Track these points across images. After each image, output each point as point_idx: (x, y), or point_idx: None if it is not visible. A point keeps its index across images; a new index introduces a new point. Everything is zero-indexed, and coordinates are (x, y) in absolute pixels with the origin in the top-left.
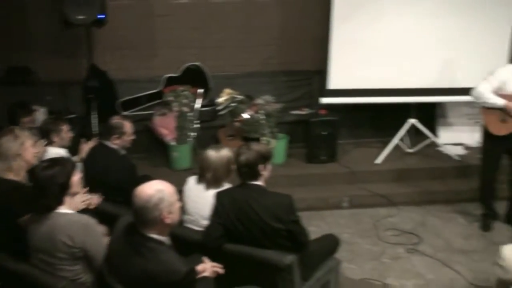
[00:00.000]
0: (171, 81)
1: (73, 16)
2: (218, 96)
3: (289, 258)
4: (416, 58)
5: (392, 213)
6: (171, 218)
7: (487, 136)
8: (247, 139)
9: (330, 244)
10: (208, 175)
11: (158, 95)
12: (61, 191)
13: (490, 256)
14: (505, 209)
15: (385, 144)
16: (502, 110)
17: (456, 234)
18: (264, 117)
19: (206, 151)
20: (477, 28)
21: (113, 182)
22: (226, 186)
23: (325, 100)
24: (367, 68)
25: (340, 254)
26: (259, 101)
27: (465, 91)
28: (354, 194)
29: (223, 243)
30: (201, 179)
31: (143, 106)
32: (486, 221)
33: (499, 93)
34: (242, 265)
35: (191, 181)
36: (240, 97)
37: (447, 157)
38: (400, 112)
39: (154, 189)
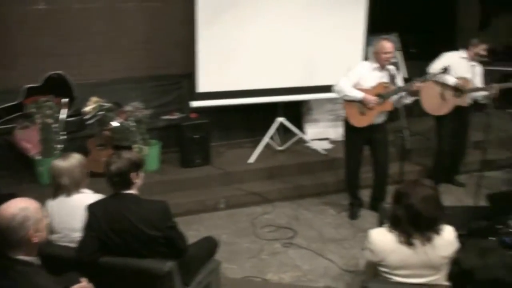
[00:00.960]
0: (32, 92)
1: None
2: (85, 105)
3: (168, 265)
4: (281, 59)
5: (268, 210)
6: (39, 236)
7: (349, 128)
8: (118, 148)
9: (209, 246)
10: (65, 181)
11: (19, 107)
12: None
13: (359, 242)
14: (369, 196)
15: (256, 143)
16: (361, 102)
17: (327, 225)
18: (134, 124)
19: (53, 162)
20: (335, 29)
21: None
22: (87, 192)
23: (195, 104)
24: (235, 70)
25: (220, 255)
26: (128, 108)
27: (327, 88)
28: (230, 195)
29: (99, 257)
30: (58, 192)
31: (2, 119)
32: (353, 210)
33: (357, 87)
34: (122, 277)
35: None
36: (107, 105)
37: (315, 152)
38: (269, 112)
39: (17, 208)
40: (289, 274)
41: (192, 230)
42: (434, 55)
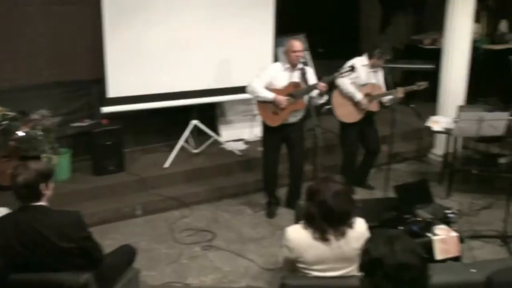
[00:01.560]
0: None
1: None
2: None
3: (84, 277)
4: (193, 61)
5: (186, 214)
6: None
7: (265, 128)
8: (26, 158)
9: (127, 255)
10: None
11: None
12: None
13: (277, 240)
14: (285, 194)
15: (172, 147)
16: (273, 103)
17: (246, 225)
18: (41, 133)
19: None
20: (245, 31)
21: None
22: None
23: (106, 109)
24: (147, 73)
25: (139, 263)
26: (35, 116)
27: (241, 89)
28: (147, 201)
29: (7, 274)
30: None
31: None
32: (270, 209)
33: (270, 88)
34: None
35: None
36: (12, 113)
37: (231, 153)
38: (184, 115)
39: None
40: (210, 277)
41: (109, 240)
42: (340, 54)
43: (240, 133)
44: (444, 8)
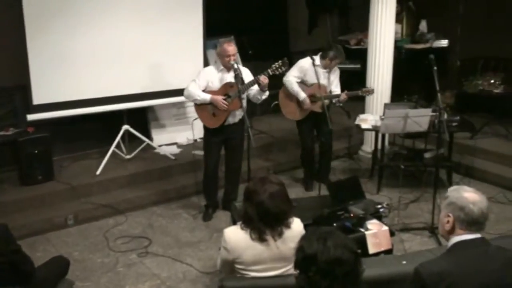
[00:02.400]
0: None
1: None
2: None
3: None
4: (123, 65)
5: (120, 221)
6: None
7: (206, 130)
8: None
9: (59, 266)
10: None
11: None
12: None
13: (215, 243)
14: (222, 196)
15: (103, 154)
16: (211, 104)
17: (183, 229)
18: None
19: None
20: (175, 33)
21: None
22: None
23: (32, 117)
24: (74, 78)
25: (73, 274)
26: None
27: (172, 93)
28: (79, 210)
29: None
30: None
31: None
32: (207, 211)
33: (207, 90)
34: None
35: None
36: None
37: (164, 157)
38: (114, 120)
39: None
40: (147, 284)
41: (40, 252)
42: (270, 55)
43: (173, 137)
44: (367, 10)
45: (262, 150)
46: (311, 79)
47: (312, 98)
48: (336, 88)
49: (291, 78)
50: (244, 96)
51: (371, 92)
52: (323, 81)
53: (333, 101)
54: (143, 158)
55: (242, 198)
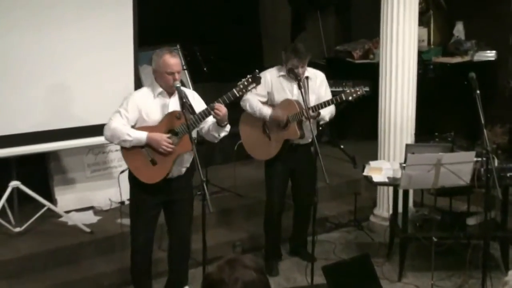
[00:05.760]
0: None
1: None
2: None
3: None
4: (9, 89)
5: None
6: None
7: (137, 187)
8: None
9: None
10: None
11: None
12: None
13: None
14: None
15: None
16: (148, 147)
17: None
18: None
19: None
20: (94, 41)
21: None
22: None
23: None
24: None
25: None
26: None
27: (87, 131)
28: None
29: None
30: None
31: None
32: None
33: (141, 125)
34: None
35: None
36: None
37: (74, 230)
38: None
39: None
40: None
41: None
42: (234, 73)
43: (88, 199)
44: (377, 8)
45: (223, 216)
46: (280, 95)
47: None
48: (314, 102)
49: (249, 96)
50: (195, 132)
51: (358, 93)
52: (296, 93)
53: (320, 121)
54: (40, 231)
55: None
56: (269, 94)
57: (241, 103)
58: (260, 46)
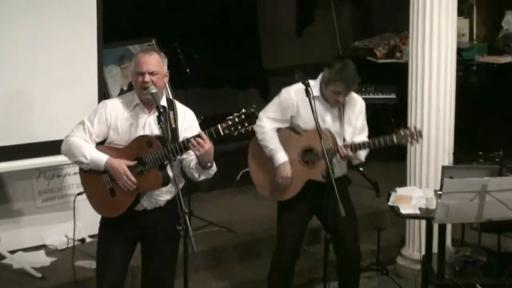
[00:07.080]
0: None
1: None
2: None
3: None
4: None
5: None
6: None
7: (104, 224)
8: None
9: None
10: None
11: None
12: None
13: None
14: None
15: None
16: (107, 174)
17: None
18: None
19: None
20: (48, 35)
21: None
22: None
23: None
24: None
25: None
26: None
27: (39, 149)
28: None
29: None
30: None
31: None
32: None
33: (110, 143)
34: None
35: None
36: None
37: (21, 274)
38: None
39: None
40: None
41: None
42: (225, 76)
43: (38, 235)
44: None
45: (211, 258)
46: (306, 120)
47: (308, 156)
48: (360, 135)
49: (265, 122)
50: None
51: (416, 136)
52: (329, 122)
53: (354, 161)
54: None
55: None
56: (293, 118)
57: (256, 124)
58: (257, 41)
